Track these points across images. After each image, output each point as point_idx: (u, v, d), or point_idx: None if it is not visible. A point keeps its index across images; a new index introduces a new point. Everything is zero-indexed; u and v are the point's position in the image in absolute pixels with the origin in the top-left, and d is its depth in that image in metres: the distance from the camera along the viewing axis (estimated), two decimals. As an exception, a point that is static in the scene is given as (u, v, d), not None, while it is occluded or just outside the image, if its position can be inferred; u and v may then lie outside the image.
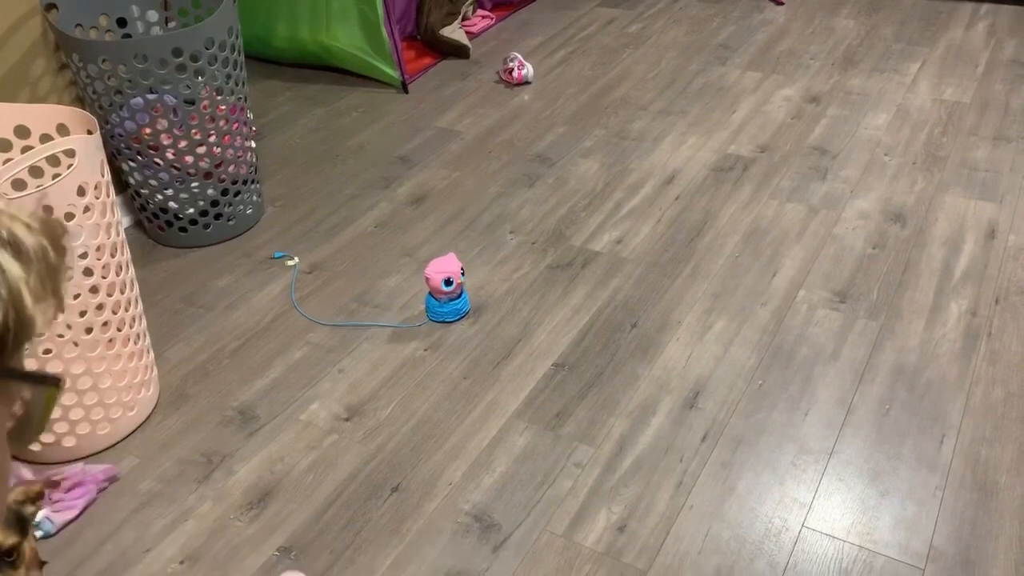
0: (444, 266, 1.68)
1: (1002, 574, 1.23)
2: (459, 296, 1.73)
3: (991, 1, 3.04)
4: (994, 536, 1.28)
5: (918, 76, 2.59)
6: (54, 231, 0.45)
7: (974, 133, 2.28)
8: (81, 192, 1.34)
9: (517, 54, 2.66)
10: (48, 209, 1.28)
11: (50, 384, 0.45)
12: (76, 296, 1.38)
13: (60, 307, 0.45)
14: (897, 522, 1.31)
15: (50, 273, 0.44)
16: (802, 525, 1.32)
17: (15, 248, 0.42)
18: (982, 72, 2.58)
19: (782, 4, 3.13)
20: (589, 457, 1.44)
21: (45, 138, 1.51)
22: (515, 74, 2.64)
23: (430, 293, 1.73)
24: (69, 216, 1.33)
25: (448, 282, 1.67)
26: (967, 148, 2.22)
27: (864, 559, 1.26)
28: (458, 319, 1.75)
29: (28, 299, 0.42)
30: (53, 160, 1.58)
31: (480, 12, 3.09)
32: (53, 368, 1.39)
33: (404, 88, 2.65)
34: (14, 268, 0.41)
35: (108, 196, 1.40)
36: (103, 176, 1.39)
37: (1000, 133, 2.27)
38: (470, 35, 2.96)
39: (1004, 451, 1.41)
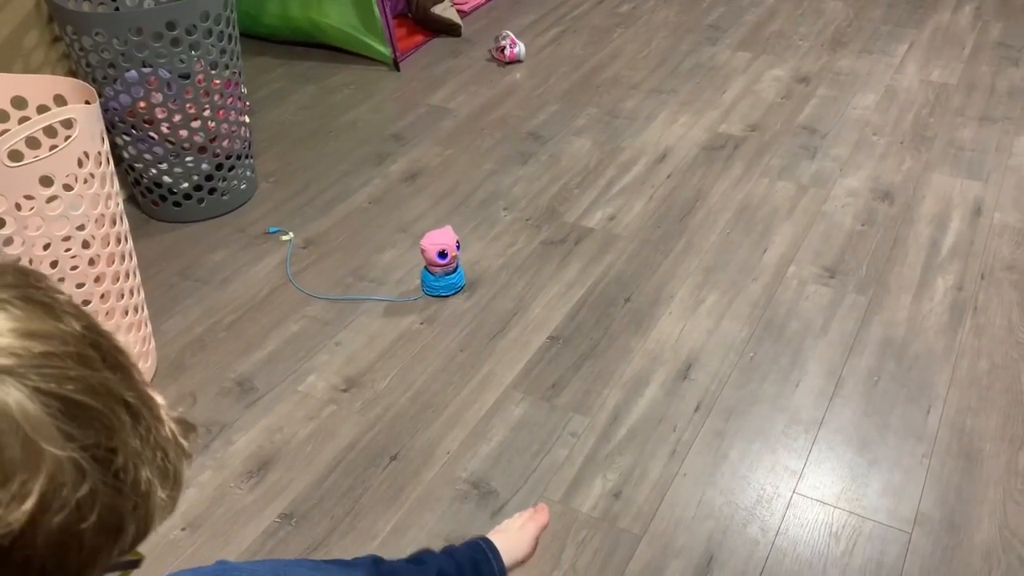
0: (440, 238, 1.69)
1: (986, 537, 1.27)
2: (454, 270, 1.75)
3: (978, -16, 3.07)
4: (979, 501, 1.32)
5: (906, 58, 2.61)
6: (186, 433, 0.48)
7: (961, 114, 2.31)
8: (80, 163, 1.34)
9: (509, 32, 2.67)
10: (47, 181, 1.28)
11: (132, 567, 0.46)
12: (75, 267, 1.38)
13: (174, 507, 0.48)
14: (885, 489, 1.34)
15: (177, 484, 0.46)
16: (793, 491, 1.35)
17: (165, 475, 0.44)
18: (968, 54, 2.61)
19: (772, -15, 3.14)
20: (584, 427, 1.47)
21: (42, 109, 1.51)
22: (507, 52, 2.64)
23: (425, 268, 1.74)
24: (68, 187, 1.33)
25: (443, 254, 1.69)
26: (954, 128, 2.25)
27: (853, 524, 1.30)
28: (453, 293, 1.76)
29: (157, 521, 0.45)
30: (50, 131, 1.58)
31: (471, -9, 3.09)
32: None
33: (396, 66, 2.65)
34: (158, 493, 0.43)
35: (107, 166, 1.40)
36: (102, 146, 1.39)
37: (986, 114, 2.30)
38: (461, 13, 2.96)
39: (988, 420, 1.45)
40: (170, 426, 0.46)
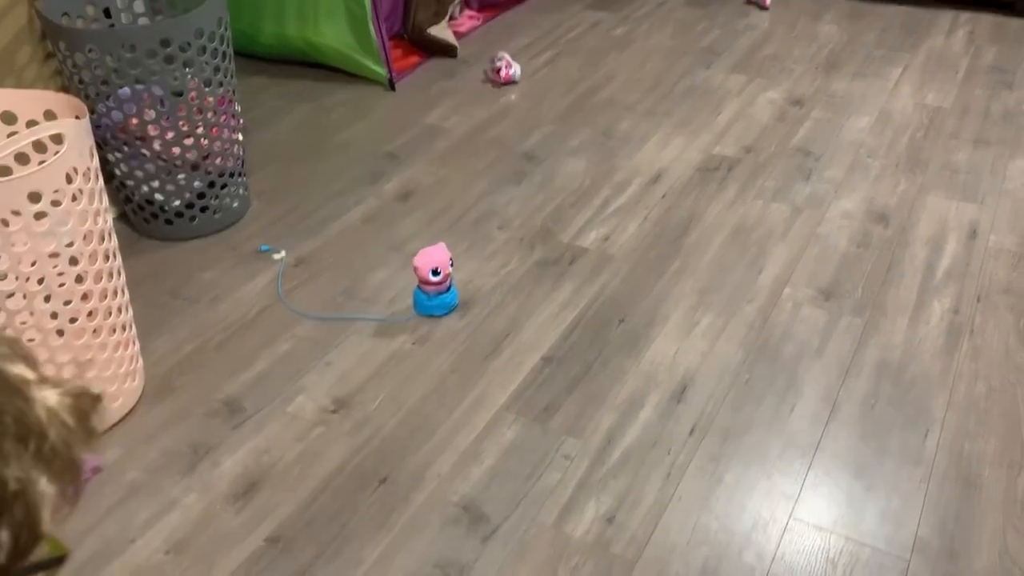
0: (433, 256, 1.68)
1: (986, 564, 1.24)
2: (447, 290, 1.73)
3: (971, 10, 3.09)
4: (978, 527, 1.30)
5: (900, 81, 2.62)
6: (83, 413, 0.41)
7: (955, 137, 2.31)
8: (69, 178, 1.32)
9: (504, 54, 2.67)
10: (35, 196, 1.26)
11: (54, 566, 0.42)
12: (62, 284, 1.36)
13: (74, 504, 0.42)
14: (883, 514, 1.32)
15: (71, 470, 0.40)
16: (789, 517, 1.33)
17: (48, 463, 0.38)
18: (962, 78, 2.62)
19: (766, 9, 3.16)
20: (577, 450, 1.44)
21: (32, 124, 1.49)
22: (502, 73, 2.64)
23: (418, 287, 1.72)
24: (56, 203, 1.32)
25: (436, 272, 1.67)
26: (948, 151, 2.25)
27: (851, 550, 1.27)
28: (446, 313, 1.74)
29: (46, 517, 0.39)
30: (39, 147, 1.56)
31: (467, 12, 3.10)
32: (37, 356, 1.37)
33: (391, 85, 2.65)
34: (39, 487, 0.37)
35: (96, 182, 1.39)
36: (92, 162, 1.37)
37: (980, 137, 2.30)
38: (457, 35, 2.97)
39: (987, 445, 1.43)
40: (47, 404, 0.40)
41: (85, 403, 0.41)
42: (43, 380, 0.40)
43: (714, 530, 1.31)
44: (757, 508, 1.34)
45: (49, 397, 0.39)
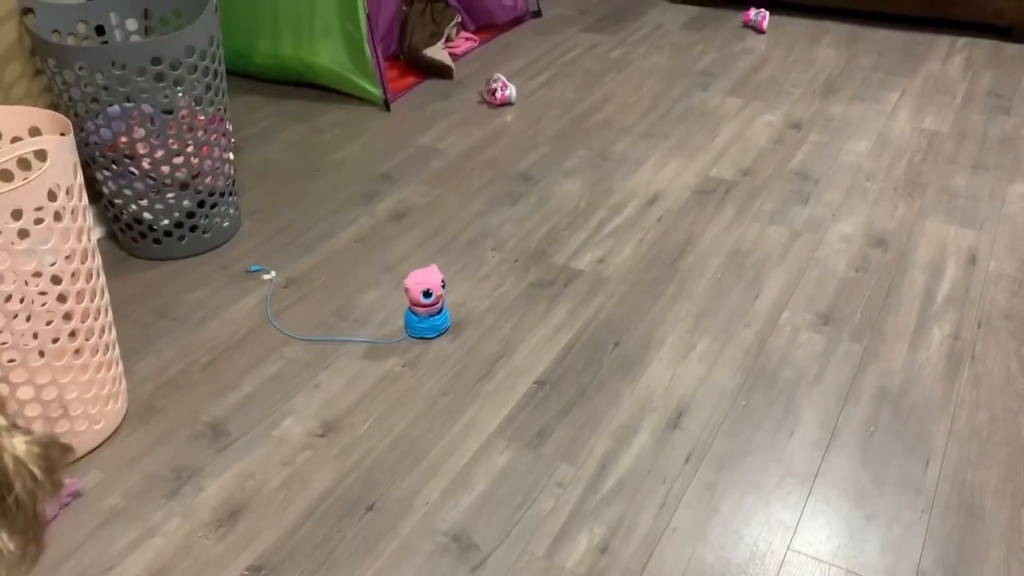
0: (424, 277, 1.65)
1: (990, 599, 1.21)
2: (439, 312, 1.70)
3: (968, 35, 3.09)
4: (981, 560, 1.26)
5: (898, 105, 2.61)
6: (52, 464, 0.38)
7: (953, 161, 2.30)
8: (52, 196, 1.30)
9: (500, 75, 2.66)
10: (17, 214, 1.24)
11: None
12: (44, 304, 1.33)
13: (38, 553, 0.38)
14: (884, 545, 1.29)
15: (34, 525, 0.37)
16: (787, 548, 1.29)
17: (4, 511, 0.35)
18: (960, 103, 2.61)
19: (763, 33, 3.16)
20: (571, 477, 1.41)
21: (16, 141, 1.47)
22: (498, 95, 2.63)
23: (409, 308, 1.69)
24: (39, 220, 1.29)
25: (427, 294, 1.64)
26: (947, 176, 2.23)
27: (851, 583, 1.23)
28: (438, 335, 1.71)
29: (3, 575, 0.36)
30: (24, 164, 1.54)
31: (464, 34, 3.09)
32: (16, 377, 1.34)
33: (386, 106, 2.63)
34: (4, 545, 0.34)
35: (80, 200, 1.36)
36: (76, 179, 1.35)
37: (979, 162, 2.29)
38: (453, 56, 2.96)
39: (989, 474, 1.39)
40: (15, 453, 0.36)
41: (54, 454, 0.37)
42: (12, 427, 0.36)
43: (710, 562, 1.27)
44: (754, 538, 1.30)
45: (17, 446, 0.35)
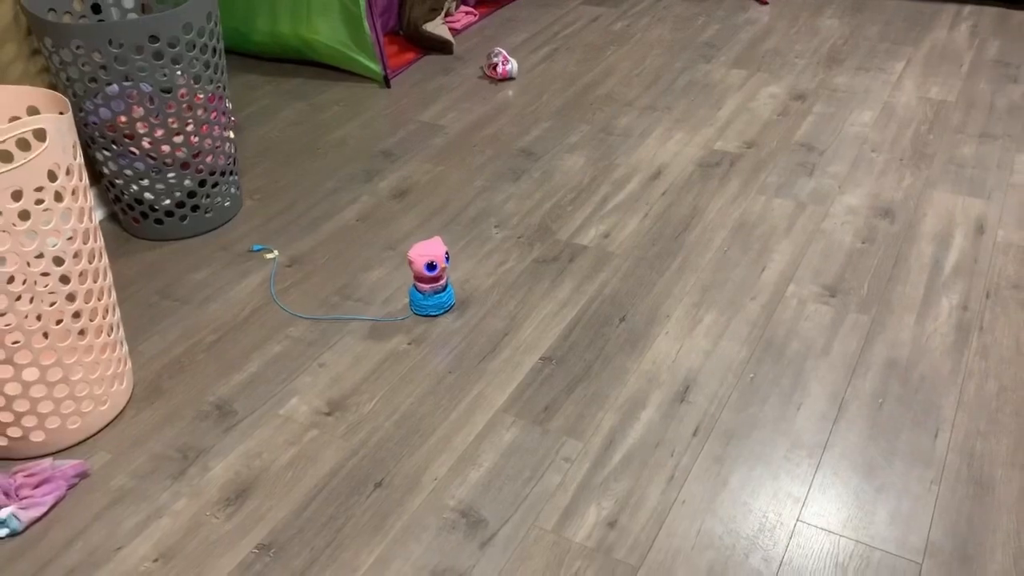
0: (428, 249, 1.64)
1: (1000, 568, 1.20)
2: (443, 289, 1.69)
3: (974, 3, 3.05)
4: (991, 530, 1.26)
5: (903, 75, 2.58)
6: None
7: (960, 131, 2.27)
8: (52, 176, 1.28)
9: (501, 50, 2.63)
10: (17, 195, 1.23)
11: None
12: (46, 285, 1.32)
13: None
14: (893, 516, 1.28)
15: None
16: (797, 519, 1.28)
17: None
18: (966, 71, 2.58)
19: (766, 4, 3.12)
20: (578, 452, 1.40)
21: (14, 120, 1.45)
22: (499, 69, 2.60)
23: (413, 286, 1.68)
24: (39, 201, 1.28)
25: (431, 266, 1.63)
26: (954, 145, 2.21)
27: (861, 554, 1.23)
28: (442, 313, 1.70)
29: None
30: (23, 144, 1.53)
31: (463, 8, 3.06)
32: (21, 359, 1.33)
33: (386, 83, 2.61)
34: None
35: (80, 180, 1.35)
36: (75, 159, 1.33)
37: (986, 131, 2.26)
38: (453, 31, 2.93)
39: (999, 445, 1.39)
40: None
41: None
42: None
43: (719, 534, 1.27)
44: (763, 511, 1.30)
45: None
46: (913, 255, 1.82)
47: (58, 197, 1.31)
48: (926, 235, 1.88)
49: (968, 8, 3.02)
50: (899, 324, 1.64)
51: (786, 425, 1.44)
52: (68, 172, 1.31)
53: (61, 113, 1.37)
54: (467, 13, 3.04)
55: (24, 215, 1.26)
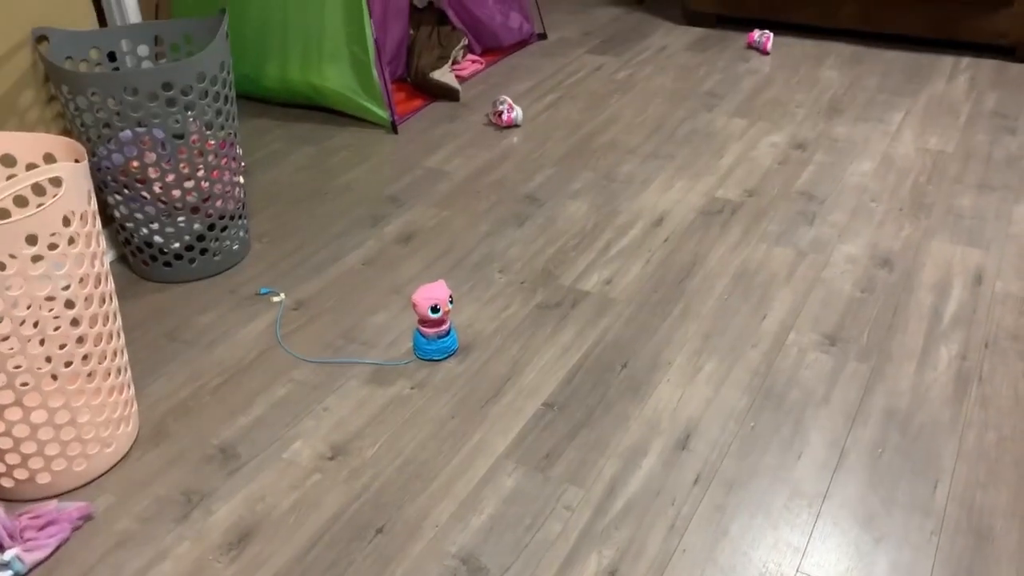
0: (432, 292, 1.66)
1: (1001, 622, 1.20)
2: (447, 333, 1.71)
3: (972, 55, 3.11)
4: (991, 582, 1.26)
5: (902, 125, 2.62)
6: None
7: (958, 181, 2.30)
8: (67, 222, 1.31)
9: (506, 97, 2.68)
10: (32, 239, 1.26)
11: None
12: (57, 328, 1.34)
13: None
14: (893, 567, 1.28)
15: None
16: (797, 570, 1.29)
17: None
18: (964, 123, 2.63)
19: (767, 54, 3.18)
20: (579, 499, 1.41)
21: (31, 167, 1.49)
22: (504, 117, 2.65)
23: (417, 330, 1.70)
24: (53, 246, 1.31)
25: (435, 309, 1.65)
26: (952, 196, 2.24)
27: (860, 605, 1.23)
28: (446, 357, 1.72)
29: None
30: (38, 189, 1.56)
31: (470, 57, 3.12)
32: (30, 401, 1.35)
33: (394, 128, 2.65)
34: None
35: (94, 226, 1.38)
36: (89, 205, 1.36)
37: (984, 182, 2.30)
38: (460, 79, 2.99)
39: (999, 495, 1.39)
40: None
41: None
42: None
43: (719, 584, 1.27)
44: (764, 561, 1.30)
45: None
46: (912, 304, 1.84)
47: (71, 242, 1.34)
48: (925, 285, 1.90)
49: (966, 60, 3.07)
50: (898, 373, 1.65)
51: (786, 474, 1.45)
52: (82, 218, 1.34)
53: (77, 161, 1.41)
54: (473, 61, 3.10)
55: (37, 259, 1.29)
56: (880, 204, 2.21)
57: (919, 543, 1.32)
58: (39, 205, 1.58)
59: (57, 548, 1.35)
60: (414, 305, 1.67)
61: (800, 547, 1.32)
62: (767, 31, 3.23)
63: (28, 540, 1.33)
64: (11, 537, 1.33)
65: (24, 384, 1.34)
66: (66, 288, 1.34)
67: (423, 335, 1.70)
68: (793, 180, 2.34)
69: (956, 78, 2.94)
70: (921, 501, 1.39)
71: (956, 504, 1.38)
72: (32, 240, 1.28)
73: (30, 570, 1.31)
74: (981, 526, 1.34)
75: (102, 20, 1.96)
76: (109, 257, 2.06)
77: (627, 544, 1.33)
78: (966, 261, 1.97)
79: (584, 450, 1.50)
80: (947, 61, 3.07)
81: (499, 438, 1.53)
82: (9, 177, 1.51)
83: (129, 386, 1.54)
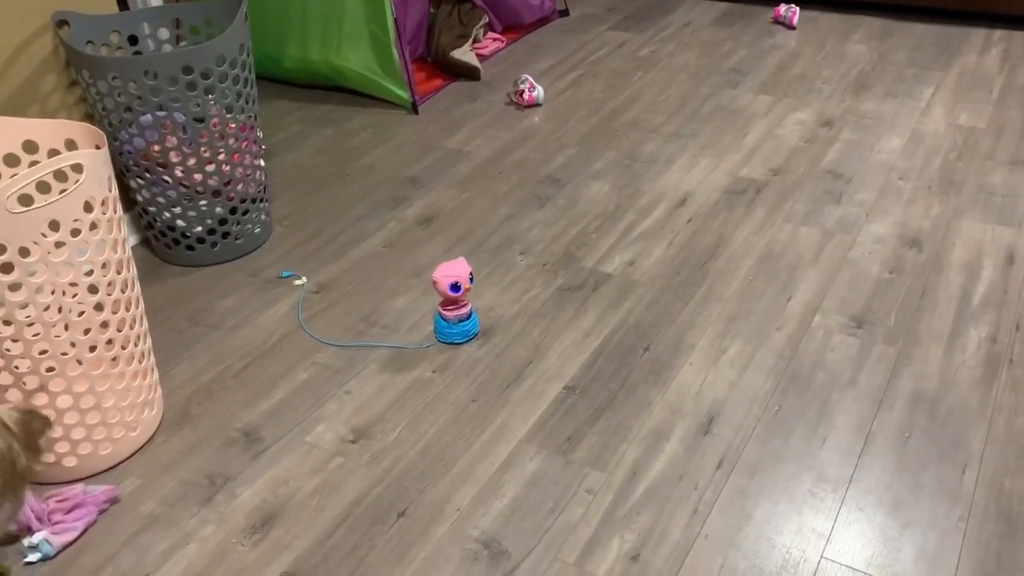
0: (452, 269, 1.65)
1: (1030, 609, 1.19)
2: (468, 316, 1.70)
3: (1004, 27, 3.03)
4: (1020, 570, 1.24)
5: (932, 101, 2.57)
6: (31, 430, 0.48)
7: (990, 158, 2.25)
8: (88, 208, 1.32)
9: (528, 76, 2.65)
10: (54, 225, 1.26)
11: None
12: (81, 313, 1.35)
13: (18, 508, 0.49)
14: (919, 554, 1.27)
15: (13, 480, 0.46)
16: (821, 556, 1.28)
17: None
18: (997, 97, 2.56)
19: (794, 29, 3.12)
20: (601, 483, 1.41)
21: (53, 153, 1.50)
22: (526, 96, 2.63)
23: (438, 313, 1.70)
24: (75, 232, 1.31)
25: (456, 286, 1.64)
26: (983, 173, 2.19)
27: (886, 592, 1.22)
28: (467, 341, 1.72)
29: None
30: (60, 176, 1.57)
31: (491, 35, 3.09)
32: (55, 386, 1.36)
33: (414, 109, 2.64)
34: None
35: (115, 212, 1.38)
36: (111, 192, 1.37)
37: (1017, 158, 2.24)
38: (481, 57, 2.96)
39: (1029, 481, 1.37)
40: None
41: (35, 422, 0.46)
42: None
43: (742, 569, 1.26)
44: (787, 546, 1.29)
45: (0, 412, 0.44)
46: (941, 285, 1.81)
47: (93, 228, 1.34)
48: (955, 265, 1.86)
49: (999, 32, 3.00)
50: (926, 356, 1.62)
51: (811, 458, 1.43)
52: (103, 204, 1.34)
53: (97, 147, 1.41)
54: (494, 39, 3.07)
55: (60, 245, 1.29)
56: (909, 182, 2.17)
57: (946, 529, 1.30)
58: (61, 191, 1.58)
59: (84, 531, 1.37)
60: (434, 283, 1.66)
61: (824, 533, 1.31)
62: (793, 5, 3.17)
63: (56, 523, 1.35)
64: (39, 520, 1.35)
65: (49, 369, 1.35)
66: (89, 274, 1.35)
67: (444, 318, 1.69)
68: (819, 158, 2.30)
69: (988, 51, 2.86)
70: (949, 487, 1.37)
71: (985, 490, 1.36)
72: (55, 226, 1.28)
73: (58, 552, 1.33)
74: (1011, 512, 1.32)
75: (123, 3, 1.96)
76: (132, 241, 2.07)
77: (649, 529, 1.33)
78: (997, 241, 1.93)
79: (606, 434, 1.50)
80: (979, 34, 2.99)
81: (520, 422, 1.53)
82: (31, 164, 1.52)
83: (153, 370, 1.55)
